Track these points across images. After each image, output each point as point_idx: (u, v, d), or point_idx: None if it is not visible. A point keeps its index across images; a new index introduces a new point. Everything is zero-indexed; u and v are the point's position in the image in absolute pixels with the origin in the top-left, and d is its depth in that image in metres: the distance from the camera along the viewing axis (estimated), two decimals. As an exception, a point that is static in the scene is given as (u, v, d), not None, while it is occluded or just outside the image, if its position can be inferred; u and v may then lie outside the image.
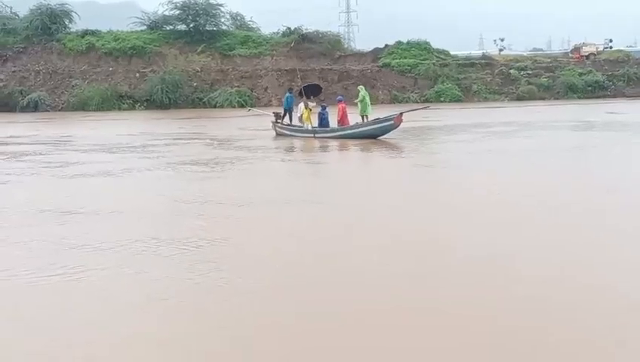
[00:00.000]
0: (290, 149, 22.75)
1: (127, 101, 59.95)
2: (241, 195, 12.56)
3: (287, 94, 29.05)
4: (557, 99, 61.75)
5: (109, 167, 17.64)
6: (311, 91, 28.72)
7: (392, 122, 24.14)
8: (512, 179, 14.27)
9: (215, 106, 58.89)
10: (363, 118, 26.64)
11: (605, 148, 20.57)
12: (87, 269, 7.79)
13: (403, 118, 24.22)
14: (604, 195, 12.15)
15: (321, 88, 30.96)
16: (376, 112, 28.91)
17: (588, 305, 6.45)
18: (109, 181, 15.28)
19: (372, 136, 24.25)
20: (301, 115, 26.79)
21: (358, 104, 27.09)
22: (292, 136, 26.45)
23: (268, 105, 57.87)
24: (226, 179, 15.50)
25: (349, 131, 25.11)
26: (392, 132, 24.41)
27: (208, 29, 66.42)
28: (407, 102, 58.83)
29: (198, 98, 60.88)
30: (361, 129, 24.92)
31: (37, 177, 16.17)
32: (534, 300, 6.54)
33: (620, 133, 25.83)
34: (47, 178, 15.99)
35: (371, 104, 25.67)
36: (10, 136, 29.99)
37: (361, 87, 28.61)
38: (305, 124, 26.50)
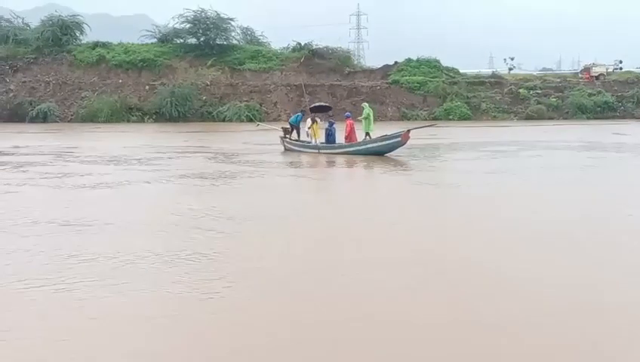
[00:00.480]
0: (292, 165, 22.58)
1: (137, 113, 60.13)
2: (237, 209, 12.44)
3: (298, 114, 29.16)
4: (566, 119, 61.54)
5: (108, 178, 17.55)
6: (319, 111, 28.99)
7: (400, 139, 23.99)
8: (504, 200, 14.29)
9: (224, 120, 59.03)
10: (366, 136, 26.40)
11: (601, 169, 20.68)
12: (79, 281, 7.67)
13: (410, 135, 24.07)
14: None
15: (331, 108, 30.75)
16: (385, 129, 28.78)
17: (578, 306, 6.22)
18: (107, 193, 15.12)
19: (379, 153, 24.11)
20: (309, 130, 26.83)
21: (362, 121, 26.80)
22: (299, 151, 26.37)
23: (277, 119, 58.02)
24: (224, 193, 15.35)
25: (356, 148, 24.94)
26: (398, 149, 24.25)
27: (219, 42, 66.68)
28: (416, 119, 58.83)
29: (207, 112, 60.95)
30: (367, 146, 24.74)
31: (34, 188, 16.03)
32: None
33: (620, 154, 25.75)
34: (45, 189, 15.84)
35: (380, 121, 25.61)
36: (15, 147, 29.96)
37: (365, 105, 28.31)
38: (312, 140, 26.46)
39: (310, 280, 7.87)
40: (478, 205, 13.37)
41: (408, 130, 24.09)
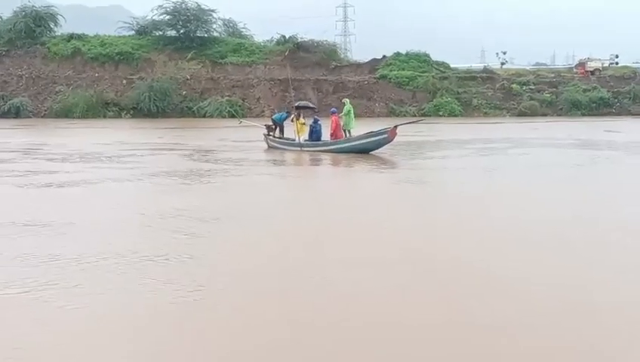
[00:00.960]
0: (272, 162, 22.58)
1: (113, 109, 59.83)
2: (210, 209, 12.37)
3: (284, 113, 29.15)
4: (560, 115, 61.63)
5: (76, 177, 17.38)
6: (304, 109, 29.02)
7: (386, 136, 23.85)
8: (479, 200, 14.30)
9: (205, 116, 58.83)
10: (346, 133, 26.50)
11: (589, 167, 20.90)
12: (41, 284, 7.58)
13: (398, 131, 23.97)
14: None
15: (316, 109, 30.74)
16: (373, 125, 28.76)
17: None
18: (74, 192, 15.00)
19: (365, 150, 23.98)
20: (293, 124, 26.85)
21: (343, 118, 26.82)
22: (282, 149, 26.32)
23: (260, 115, 57.95)
24: (197, 192, 15.31)
25: (340, 145, 24.85)
26: (385, 146, 24.22)
27: (199, 35, 66.49)
28: (404, 115, 58.62)
29: (187, 107, 60.73)
30: (353, 143, 24.66)
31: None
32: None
33: (611, 152, 25.88)
34: (8, 188, 15.67)
35: (368, 117, 25.42)
36: (-20, 143, 29.49)
37: (346, 101, 28.37)
38: (295, 137, 26.35)
39: (295, 281, 7.89)
40: (464, 204, 13.43)
41: (395, 127, 23.96)
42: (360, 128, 27.24)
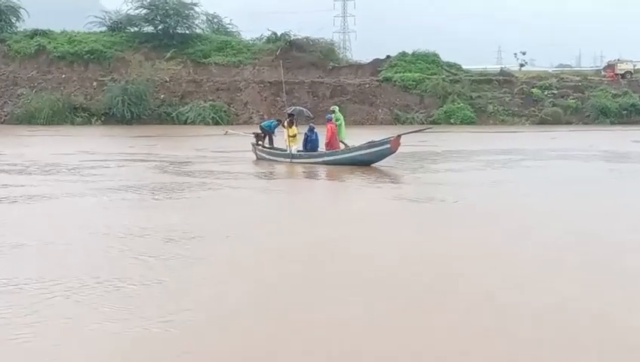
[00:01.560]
0: (256, 176, 22.58)
1: (82, 114, 59.75)
2: (177, 228, 12.42)
3: (274, 121, 29.29)
4: (586, 123, 61.66)
5: (31, 191, 17.46)
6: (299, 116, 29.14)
7: (389, 146, 23.86)
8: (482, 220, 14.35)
9: (186, 123, 59.02)
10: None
11: (608, 183, 21.02)
12: None
13: (401, 141, 23.94)
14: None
15: (312, 118, 31.02)
16: (375, 134, 28.76)
17: None
18: (26, 208, 15.09)
19: (365, 162, 23.99)
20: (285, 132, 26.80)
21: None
22: (272, 160, 26.42)
23: (248, 122, 58.11)
24: (163, 209, 15.33)
25: (337, 157, 24.78)
26: (387, 158, 24.26)
27: (180, 32, 66.66)
28: (411, 123, 59.02)
29: (165, 113, 60.88)
30: (351, 154, 24.61)
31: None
32: None
33: (633, 165, 26.21)
34: None
35: (370, 125, 25.39)
36: None
37: (335, 108, 28.33)
38: (287, 147, 26.32)
39: (283, 305, 8.03)
40: (466, 224, 13.52)
41: (399, 136, 23.93)
42: (360, 137, 27.21)
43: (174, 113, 60.24)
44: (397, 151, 24.03)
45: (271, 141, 27.96)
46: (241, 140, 30.42)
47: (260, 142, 28.05)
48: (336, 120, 26.58)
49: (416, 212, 15.34)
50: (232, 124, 57.38)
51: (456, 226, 13.15)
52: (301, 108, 34.86)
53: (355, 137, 28.10)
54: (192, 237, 11.68)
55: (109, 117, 59.01)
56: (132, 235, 11.77)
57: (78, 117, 59.20)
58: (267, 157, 26.90)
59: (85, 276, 8.97)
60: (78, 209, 15.15)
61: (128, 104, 58.76)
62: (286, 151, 26.23)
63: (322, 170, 23.38)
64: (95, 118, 59.54)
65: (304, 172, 23.41)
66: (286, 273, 9.56)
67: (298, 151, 26.00)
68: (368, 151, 24.20)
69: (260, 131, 28.79)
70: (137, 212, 14.54)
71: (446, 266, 9.91)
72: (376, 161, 24.11)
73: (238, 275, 9.38)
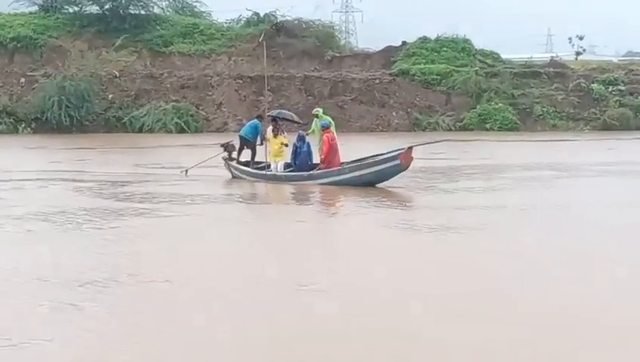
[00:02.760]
0: (216, 200, 22.95)
1: (6, 120, 59.53)
2: (84, 267, 12.77)
3: (254, 121, 29.21)
4: (666, 128, 61.06)
5: None
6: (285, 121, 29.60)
7: (398, 162, 23.97)
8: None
9: (141, 130, 58.93)
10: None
11: None
12: None
13: (414, 154, 24.06)
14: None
15: (303, 124, 31.82)
16: (385, 145, 29.30)
17: None
18: None
19: (368, 182, 24.28)
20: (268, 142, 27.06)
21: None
22: (251, 180, 26.97)
23: (222, 130, 58.39)
24: (72, 242, 15.80)
25: (332, 178, 24.91)
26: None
27: (133, 12, 66.67)
28: (434, 129, 59.25)
29: (115, 117, 60.89)
30: (350, 174, 24.70)
31: None
32: None
33: None
34: None
35: (380, 133, 25.05)
36: None
37: (318, 111, 28.83)
38: (272, 162, 26.63)
39: None
40: (483, 264, 13.69)
41: (410, 148, 24.03)
42: (366, 149, 27.63)
43: (126, 118, 60.14)
44: (409, 167, 24.11)
45: (254, 153, 27.97)
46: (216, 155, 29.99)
47: (232, 155, 28.19)
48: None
49: (426, 249, 15.42)
50: (201, 132, 57.45)
51: (479, 272, 13.03)
52: (288, 111, 34.60)
53: (360, 149, 28.23)
54: (101, 280, 11.88)
55: (42, 123, 58.83)
56: (29, 276, 12.19)
57: (0, 123, 58.93)
58: (243, 176, 27.23)
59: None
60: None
61: (66, 107, 58.34)
62: (270, 167, 26.49)
63: (310, 191, 23.91)
64: (23, 124, 59.35)
65: (285, 194, 23.90)
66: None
67: (286, 167, 26.34)
68: (372, 169, 24.30)
69: (232, 141, 28.89)
70: (41, 246, 14.95)
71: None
72: (384, 181, 24.25)
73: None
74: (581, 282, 12.38)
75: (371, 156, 25.00)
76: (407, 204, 22.20)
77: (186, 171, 28.43)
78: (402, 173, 24.10)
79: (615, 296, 11.43)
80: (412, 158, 23.79)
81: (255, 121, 28.93)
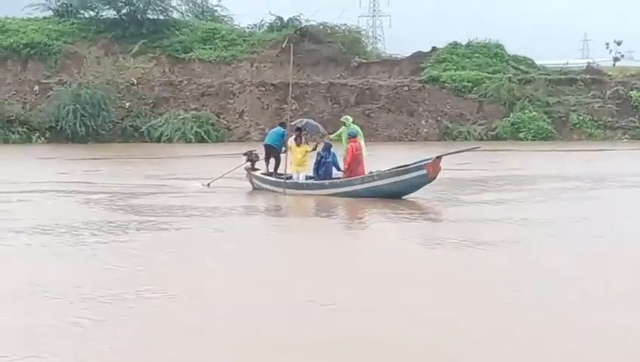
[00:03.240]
0: (230, 212, 22.63)
1: (19, 129, 59.58)
2: (79, 285, 12.80)
3: (279, 128, 28.88)
4: None
5: None
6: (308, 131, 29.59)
7: (425, 172, 23.66)
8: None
9: (160, 140, 58.95)
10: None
11: None
12: None
13: (442, 165, 23.76)
14: None
15: (328, 136, 30.91)
16: (415, 154, 29.21)
17: None
18: None
19: (393, 194, 24.03)
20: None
21: (344, 143, 26.60)
22: (271, 190, 26.70)
23: (244, 139, 58.44)
24: (72, 256, 15.83)
25: (352, 187, 24.60)
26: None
27: (151, 17, 66.93)
28: (465, 139, 59.48)
29: (132, 126, 60.99)
30: (374, 183, 24.37)
31: None
32: None
33: None
34: None
35: (409, 140, 24.95)
36: None
37: (347, 118, 28.29)
38: (294, 172, 26.48)
39: None
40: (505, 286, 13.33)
41: (438, 157, 23.69)
42: (395, 159, 27.70)
43: (144, 127, 60.15)
44: (437, 178, 23.87)
45: (278, 163, 27.60)
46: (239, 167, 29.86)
47: (255, 167, 27.92)
48: (352, 135, 26.16)
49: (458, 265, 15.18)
50: (222, 142, 57.10)
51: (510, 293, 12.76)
52: (313, 121, 34.07)
53: (388, 158, 28.08)
54: (97, 297, 11.87)
55: (56, 132, 58.89)
56: (23, 292, 12.32)
57: (13, 133, 58.94)
58: (264, 186, 27.04)
59: None
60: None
61: (82, 115, 58.28)
62: (291, 177, 26.29)
63: (332, 203, 23.69)
64: (37, 134, 59.32)
65: (306, 206, 23.88)
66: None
67: (308, 177, 26.10)
68: (396, 179, 23.98)
69: (255, 150, 28.70)
70: (38, 261, 15.11)
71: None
72: (410, 192, 24.15)
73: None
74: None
75: (397, 166, 24.65)
76: (434, 217, 22.19)
77: (209, 184, 28.24)
78: (429, 183, 23.88)
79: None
80: (440, 169, 23.53)
81: (280, 128, 28.65)
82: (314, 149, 26.43)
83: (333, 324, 10.83)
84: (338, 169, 25.71)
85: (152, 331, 10.59)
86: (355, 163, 25.37)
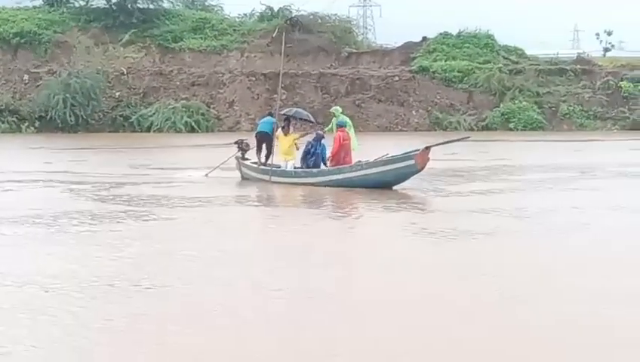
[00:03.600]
0: (210, 202, 22.35)
1: (9, 119, 59.60)
2: (64, 277, 12.56)
3: (269, 118, 28.93)
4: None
5: None
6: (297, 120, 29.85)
7: (413, 162, 23.49)
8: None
9: (150, 129, 58.99)
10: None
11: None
12: None
13: (430, 155, 23.57)
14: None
15: (319, 123, 31.00)
16: (404, 144, 29.23)
17: None
18: None
19: (381, 184, 23.90)
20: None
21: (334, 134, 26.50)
22: (259, 179, 26.62)
23: (234, 129, 58.17)
24: (56, 246, 15.56)
25: (340, 176, 24.60)
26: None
27: (141, 6, 66.89)
28: (455, 129, 59.31)
29: (122, 116, 60.99)
30: (359, 172, 24.35)
31: None
32: None
33: None
34: None
35: (400, 130, 24.95)
36: None
37: (336, 109, 28.51)
38: (282, 161, 26.48)
39: None
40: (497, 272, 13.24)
41: (427, 148, 23.52)
42: (385, 149, 26.89)
43: (134, 117, 60.20)
44: (425, 169, 23.69)
45: (269, 151, 27.42)
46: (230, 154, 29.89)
47: (244, 155, 27.86)
48: (340, 124, 26.10)
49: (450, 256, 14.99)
50: (212, 132, 57.22)
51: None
52: (303, 110, 34.18)
53: (378, 148, 27.93)
54: (87, 288, 11.66)
55: (46, 122, 58.94)
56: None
57: (3, 122, 59.02)
58: (253, 174, 26.99)
59: None
60: None
61: (72, 105, 58.40)
62: (279, 167, 26.27)
63: (320, 194, 23.48)
64: (27, 123, 59.37)
65: (291, 196, 23.74)
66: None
67: (295, 167, 26.01)
68: (385, 168, 23.86)
69: (246, 140, 28.51)
70: (20, 251, 14.95)
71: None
72: (398, 183, 24.01)
73: None
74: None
75: (383, 156, 24.45)
76: (422, 208, 22.00)
77: (207, 174, 28.40)
78: (417, 173, 23.76)
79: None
80: (428, 159, 23.34)
81: (270, 117, 28.68)
82: (302, 136, 26.63)
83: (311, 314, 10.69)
84: (325, 163, 25.61)
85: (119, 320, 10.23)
86: (341, 152, 25.30)
